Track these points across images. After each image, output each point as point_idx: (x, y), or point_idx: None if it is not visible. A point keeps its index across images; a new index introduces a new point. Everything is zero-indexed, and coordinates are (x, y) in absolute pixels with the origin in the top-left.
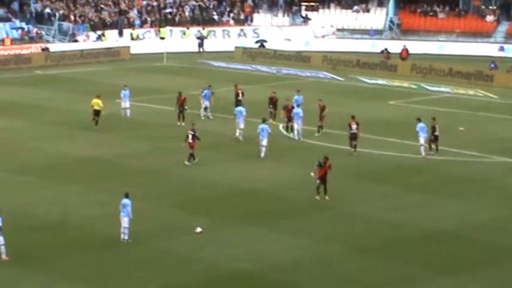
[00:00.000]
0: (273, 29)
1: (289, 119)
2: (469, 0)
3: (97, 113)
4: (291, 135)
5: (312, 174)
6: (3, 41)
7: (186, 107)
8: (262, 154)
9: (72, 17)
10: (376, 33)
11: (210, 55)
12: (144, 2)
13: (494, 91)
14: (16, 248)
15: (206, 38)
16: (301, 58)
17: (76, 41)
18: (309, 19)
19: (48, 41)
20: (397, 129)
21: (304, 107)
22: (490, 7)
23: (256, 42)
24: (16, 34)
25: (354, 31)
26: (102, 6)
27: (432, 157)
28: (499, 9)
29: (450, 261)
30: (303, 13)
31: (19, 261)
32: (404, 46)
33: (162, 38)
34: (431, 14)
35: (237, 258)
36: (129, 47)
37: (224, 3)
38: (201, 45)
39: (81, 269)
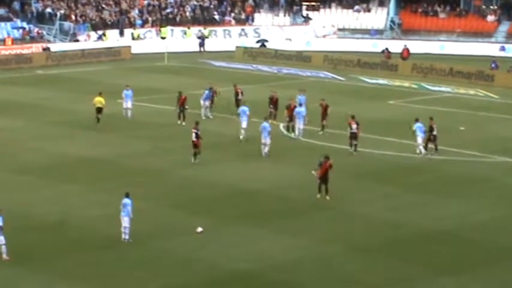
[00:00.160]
0: (274, 29)
1: (291, 118)
2: (470, 0)
3: (99, 110)
4: (292, 135)
5: (313, 172)
6: (4, 40)
7: (186, 107)
8: (263, 153)
9: (73, 17)
10: (377, 33)
11: (211, 55)
12: (145, 2)
13: (495, 91)
14: (16, 248)
15: (207, 37)
16: (302, 58)
17: (77, 40)
18: (310, 19)
19: (49, 41)
20: (397, 129)
21: (305, 106)
22: (491, 7)
23: (257, 42)
24: (17, 34)
25: (354, 31)
26: (103, 6)
27: (431, 156)
28: (500, 9)
29: (450, 261)
30: (304, 13)
31: (19, 261)
32: (405, 46)
33: (163, 38)
34: (432, 13)
35: (237, 259)
36: (130, 46)
37: (225, 3)
38: (202, 45)
39: (81, 269)
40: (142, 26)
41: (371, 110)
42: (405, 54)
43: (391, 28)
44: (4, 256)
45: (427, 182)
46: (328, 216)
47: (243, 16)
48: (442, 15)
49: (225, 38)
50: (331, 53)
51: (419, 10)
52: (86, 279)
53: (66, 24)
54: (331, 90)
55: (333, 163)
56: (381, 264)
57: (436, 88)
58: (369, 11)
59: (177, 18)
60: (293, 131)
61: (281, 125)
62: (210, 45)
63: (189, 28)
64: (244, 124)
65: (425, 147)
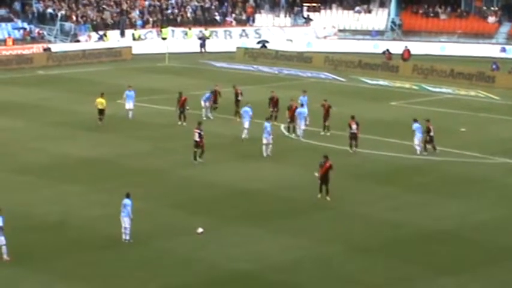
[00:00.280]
0: (274, 30)
1: (292, 119)
2: (471, 1)
3: (101, 111)
4: (293, 135)
5: (316, 174)
6: (5, 41)
7: (187, 107)
8: (264, 153)
9: (74, 17)
10: (377, 34)
11: (211, 55)
12: (146, 3)
13: (496, 92)
14: (16, 248)
15: (208, 38)
16: (302, 59)
17: (78, 41)
18: (311, 20)
19: (50, 41)
20: (398, 130)
21: (307, 107)
22: (492, 8)
23: (258, 42)
24: (18, 34)
25: (355, 32)
26: (104, 6)
27: (428, 157)
28: (501, 10)
29: (450, 261)
30: (305, 14)
31: (19, 261)
32: (406, 47)
33: (164, 39)
34: (432, 15)
35: (237, 259)
36: (130, 47)
37: (226, 4)
38: (202, 45)
39: (81, 269)
40: (143, 26)
41: (372, 111)
42: (406, 55)
43: (392, 29)
44: (5, 257)
45: (427, 182)
46: (328, 216)
47: (243, 17)
48: (442, 16)
49: (225, 39)
50: (332, 54)
51: (420, 11)
52: (86, 279)
53: (67, 25)
54: (332, 91)
55: (334, 163)
56: (381, 264)
57: (437, 89)
58: (369, 12)
59: (178, 19)
60: (294, 131)
61: (282, 126)
62: (211, 46)
63: (190, 29)
64: (246, 124)
65: (425, 148)
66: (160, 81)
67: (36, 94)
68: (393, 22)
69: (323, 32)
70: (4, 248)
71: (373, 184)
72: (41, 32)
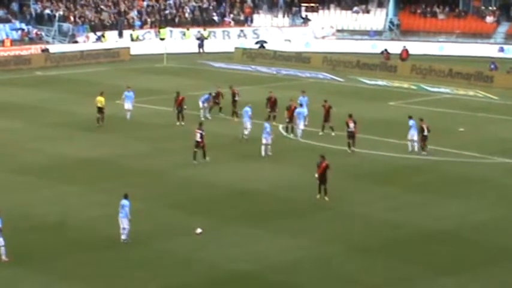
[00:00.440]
0: (272, 30)
1: (291, 119)
2: (469, 1)
3: (100, 110)
4: (291, 136)
5: (316, 175)
6: (3, 42)
7: (184, 107)
8: (263, 153)
9: (72, 18)
10: (376, 34)
11: (210, 56)
12: (144, 3)
13: (494, 92)
14: (16, 249)
15: (206, 38)
16: (301, 59)
17: (76, 42)
18: (309, 20)
19: (48, 42)
20: (396, 130)
21: (307, 107)
22: (490, 8)
23: (256, 43)
24: (16, 35)
25: (353, 32)
26: (102, 7)
27: (427, 157)
28: (499, 10)
29: (450, 261)
30: (303, 14)
31: (19, 262)
32: (404, 47)
33: (162, 39)
34: (431, 14)
35: (236, 259)
36: (129, 48)
37: (224, 4)
38: (201, 46)
39: (81, 270)
40: (141, 27)
41: (370, 111)
42: (404, 55)
43: (390, 29)
44: (3, 258)
45: (426, 182)
46: (328, 216)
47: (242, 17)
48: (441, 16)
49: (224, 39)
50: (330, 54)
51: (418, 11)
52: (86, 279)
53: (65, 26)
54: (330, 91)
55: (332, 164)
56: (381, 264)
57: (435, 89)
58: (367, 12)
59: (176, 20)
60: (292, 131)
61: (280, 126)
62: (209, 46)
63: (188, 29)
64: (247, 124)
65: (423, 148)
66: (159, 82)
67: (35, 95)
68: (391, 22)
69: (321, 32)
70: (3, 249)
71: (372, 184)
72: (39, 32)
